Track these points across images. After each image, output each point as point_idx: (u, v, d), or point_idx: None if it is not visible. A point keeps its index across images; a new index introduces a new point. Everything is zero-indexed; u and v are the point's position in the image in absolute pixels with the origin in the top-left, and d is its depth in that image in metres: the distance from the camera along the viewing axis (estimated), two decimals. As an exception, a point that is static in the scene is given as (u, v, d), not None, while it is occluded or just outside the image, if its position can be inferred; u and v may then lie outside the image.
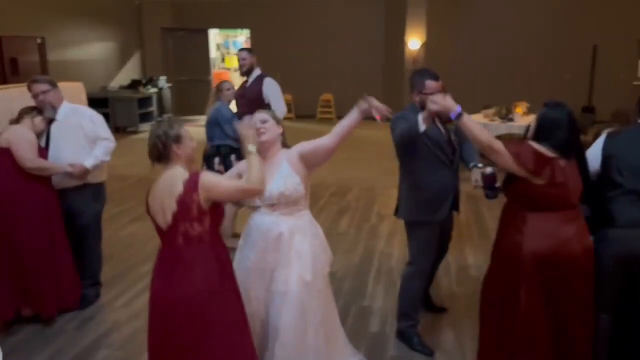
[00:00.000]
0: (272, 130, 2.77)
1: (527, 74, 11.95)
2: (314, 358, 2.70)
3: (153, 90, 12.46)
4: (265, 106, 4.90)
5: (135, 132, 11.41)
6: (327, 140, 2.71)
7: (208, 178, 2.39)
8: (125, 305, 4.05)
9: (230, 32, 16.53)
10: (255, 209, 2.77)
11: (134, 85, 12.33)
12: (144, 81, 12.64)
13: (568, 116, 2.67)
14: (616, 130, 3.04)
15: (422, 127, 2.97)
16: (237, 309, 2.49)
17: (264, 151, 2.72)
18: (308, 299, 2.68)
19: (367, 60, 13.37)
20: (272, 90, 5.18)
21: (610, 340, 2.83)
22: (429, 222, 3.25)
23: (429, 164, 3.23)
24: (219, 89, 4.99)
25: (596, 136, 3.46)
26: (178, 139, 2.44)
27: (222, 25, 14.76)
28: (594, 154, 2.88)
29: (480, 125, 2.74)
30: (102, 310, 3.98)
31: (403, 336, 3.43)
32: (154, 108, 12.35)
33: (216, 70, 15.43)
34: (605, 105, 10.25)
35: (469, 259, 4.81)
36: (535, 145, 2.64)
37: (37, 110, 3.87)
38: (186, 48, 13.97)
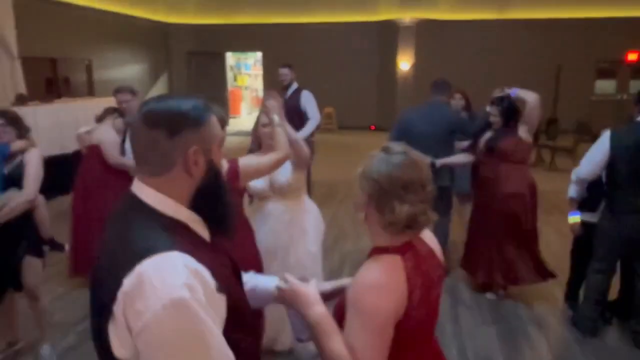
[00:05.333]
0: None
1: (499, 89, 12.37)
2: None
3: (180, 105, 12.70)
4: (302, 115, 5.19)
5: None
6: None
7: (245, 163, 2.33)
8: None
9: (242, 55, 16.86)
10: (265, 198, 2.86)
11: (164, 101, 12.56)
12: (172, 97, 12.88)
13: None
14: (618, 128, 3.26)
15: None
16: None
17: (269, 149, 2.70)
18: (313, 266, 2.86)
19: (363, 78, 13.78)
20: (309, 101, 5.39)
21: (600, 292, 3.32)
22: None
23: None
24: None
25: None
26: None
27: (237, 48, 15.08)
28: (601, 150, 3.12)
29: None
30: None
31: None
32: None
33: (230, 88, 15.75)
34: (567, 117, 10.73)
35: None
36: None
37: (119, 112, 4.15)
38: (206, 68, 14.26)
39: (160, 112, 1.02)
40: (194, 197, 1.05)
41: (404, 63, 13.00)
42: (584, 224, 3.42)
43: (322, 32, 13.65)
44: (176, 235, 0.98)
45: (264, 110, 2.57)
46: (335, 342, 1.23)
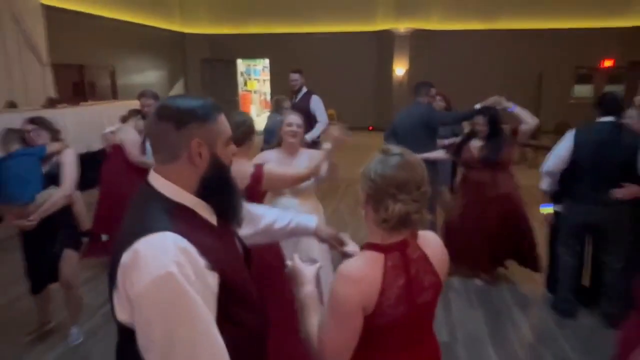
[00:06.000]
0: (301, 134, 2.89)
1: (486, 95, 12.32)
2: None
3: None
4: (312, 117, 5.12)
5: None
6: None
7: (270, 171, 2.22)
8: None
9: (251, 62, 16.81)
10: (280, 194, 2.86)
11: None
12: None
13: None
14: (582, 127, 3.29)
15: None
16: None
17: (293, 149, 2.77)
18: (322, 253, 2.77)
19: (362, 83, 13.73)
20: (318, 105, 5.28)
21: (571, 274, 3.35)
22: None
23: None
24: (280, 105, 5.05)
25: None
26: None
27: (247, 55, 15.03)
28: (566, 147, 3.17)
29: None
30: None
31: None
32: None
33: (241, 92, 15.70)
34: (548, 119, 10.69)
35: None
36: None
37: (141, 114, 4.13)
38: (219, 74, 14.21)
39: (171, 107, 1.05)
40: (200, 186, 1.07)
41: (399, 69, 12.98)
42: (557, 214, 3.43)
43: (324, 40, 13.62)
44: (178, 218, 1.00)
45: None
46: (311, 320, 1.27)
